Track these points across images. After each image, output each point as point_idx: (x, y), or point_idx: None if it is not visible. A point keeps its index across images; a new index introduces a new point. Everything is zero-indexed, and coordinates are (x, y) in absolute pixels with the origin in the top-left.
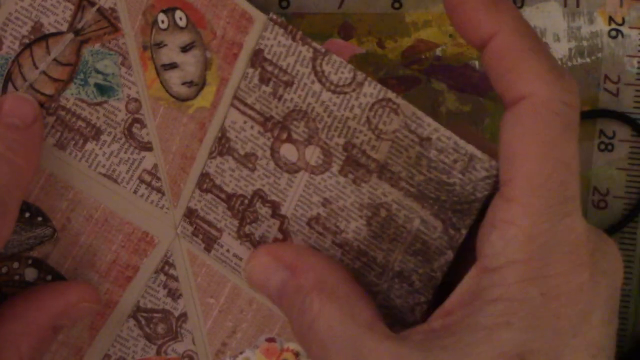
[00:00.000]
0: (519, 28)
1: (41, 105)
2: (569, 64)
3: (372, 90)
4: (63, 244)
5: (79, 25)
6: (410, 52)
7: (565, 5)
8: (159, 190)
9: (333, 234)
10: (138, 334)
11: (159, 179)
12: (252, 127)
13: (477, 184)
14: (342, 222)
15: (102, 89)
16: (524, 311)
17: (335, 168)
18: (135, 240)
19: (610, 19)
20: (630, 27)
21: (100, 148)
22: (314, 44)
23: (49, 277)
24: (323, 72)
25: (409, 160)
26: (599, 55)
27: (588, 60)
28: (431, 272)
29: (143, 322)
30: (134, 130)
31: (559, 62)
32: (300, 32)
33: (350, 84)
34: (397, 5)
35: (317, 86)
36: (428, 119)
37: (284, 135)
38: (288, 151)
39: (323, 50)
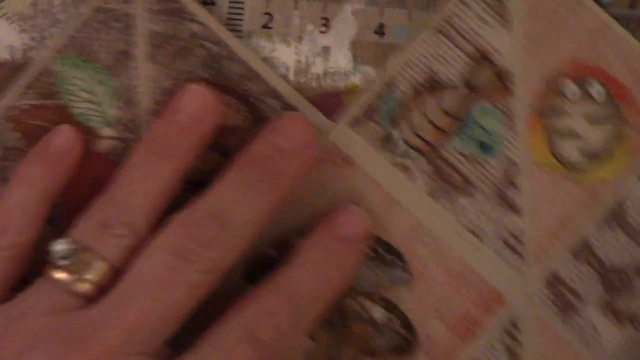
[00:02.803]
0: None
1: (421, 153)
2: None
3: None
4: (417, 291)
5: (475, 83)
6: None
7: None
8: (519, 255)
9: None
10: None
11: (523, 244)
12: None
13: None
14: None
15: (485, 147)
16: None
17: None
18: (487, 298)
19: None
20: None
21: (472, 204)
22: None
23: (397, 321)
24: None
25: None
26: None
27: None
28: None
29: None
30: (508, 193)
31: None
32: None
33: None
34: None
35: None
36: None
37: None
38: None
39: None
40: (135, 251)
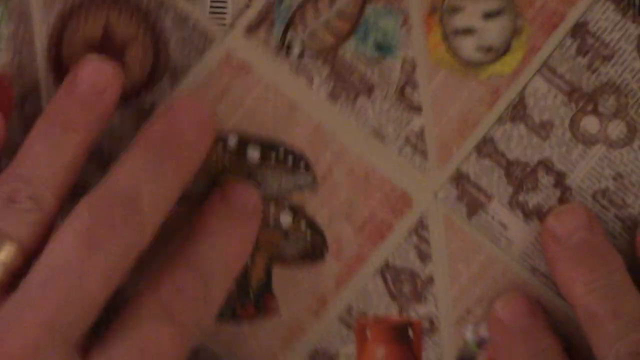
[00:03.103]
0: None
1: (318, 54)
2: None
3: None
4: (322, 193)
5: None
6: None
7: None
8: (423, 153)
9: (618, 207)
10: (383, 291)
11: (425, 142)
12: (555, 97)
13: None
14: (631, 197)
15: (381, 47)
16: None
17: (637, 143)
18: (393, 199)
19: None
20: None
21: (372, 105)
22: None
23: (304, 225)
24: None
25: None
26: None
27: None
28: None
29: (389, 280)
30: (406, 91)
31: None
32: (634, 9)
33: None
34: None
35: (638, 63)
36: None
37: (589, 108)
38: (589, 123)
39: None
40: (42, 229)
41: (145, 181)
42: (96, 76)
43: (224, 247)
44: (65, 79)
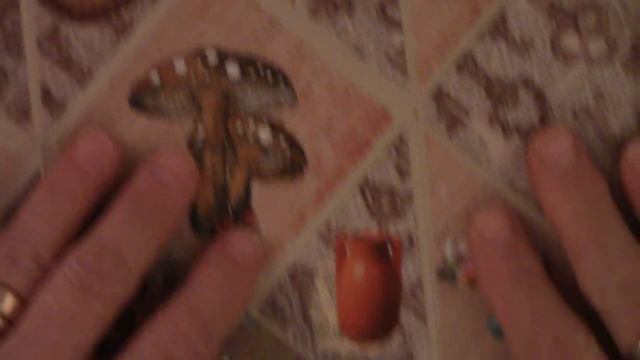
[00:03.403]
0: None
1: None
2: None
3: None
4: (302, 109)
5: None
6: None
7: None
8: (403, 70)
9: (598, 126)
10: (362, 207)
11: (405, 59)
12: (536, 14)
13: None
14: (611, 116)
15: None
16: None
17: (617, 62)
18: (373, 115)
19: None
20: None
21: (352, 22)
22: None
23: (283, 141)
24: None
25: None
26: None
27: None
28: None
29: (369, 196)
30: (387, 7)
31: None
32: None
33: None
34: None
35: None
36: None
37: (570, 25)
38: (571, 41)
39: None
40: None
41: (130, 235)
42: (95, 147)
43: (224, 295)
44: (66, 150)
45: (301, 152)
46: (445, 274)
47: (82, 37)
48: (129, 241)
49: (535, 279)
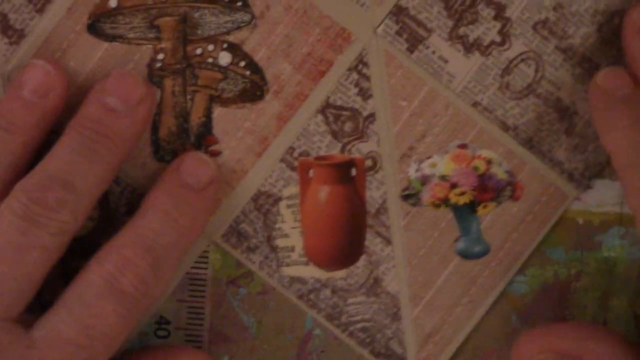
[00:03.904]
0: None
1: None
2: None
3: None
4: (260, 31)
5: None
6: None
7: None
8: None
9: (559, 38)
10: (324, 130)
11: None
12: None
13: None
14: (571, 27)
15: None
16: None
17: None
18: (332, 35)
19: None
20: None
21: None
22: None
23: (242, 64)
24: None
25: None
26: None
27: None
28: None
29: (331, 118)
30: None
31: None
32: None
33: None
34: None
35: None
36: None
37: None
38: None
39: None
40: None
41: (77, 163)
42: (39, 79)
43: (175, 222)
44: (12, 82)
45: (261, 75)
46: (410, 195)
47: None
48: (76, 169)
49: None
